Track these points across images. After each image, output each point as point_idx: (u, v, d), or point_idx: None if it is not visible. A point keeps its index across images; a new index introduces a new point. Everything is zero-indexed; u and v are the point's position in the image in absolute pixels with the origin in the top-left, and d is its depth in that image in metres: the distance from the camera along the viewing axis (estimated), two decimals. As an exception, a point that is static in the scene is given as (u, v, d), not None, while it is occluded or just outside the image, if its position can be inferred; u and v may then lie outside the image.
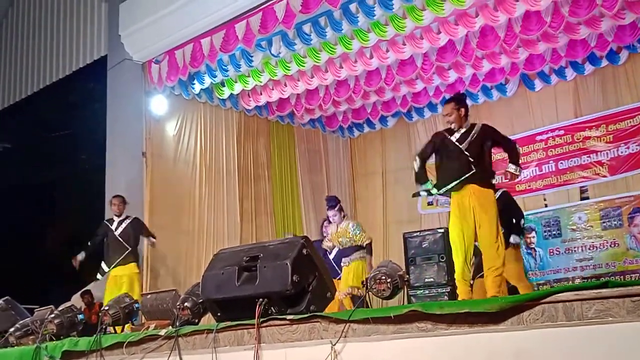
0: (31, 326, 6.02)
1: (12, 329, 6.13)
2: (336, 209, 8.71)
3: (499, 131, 6.43)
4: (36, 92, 13.06)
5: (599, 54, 10.18)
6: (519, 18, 9.01)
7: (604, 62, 10.49)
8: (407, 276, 4.21)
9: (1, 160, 15.09)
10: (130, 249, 8.84)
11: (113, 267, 8.79)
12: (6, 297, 6.75)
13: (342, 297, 8.19)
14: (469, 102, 11.64)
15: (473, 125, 6.20)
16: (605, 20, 9.00)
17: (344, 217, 8.75)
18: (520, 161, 6.33)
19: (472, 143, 6.07)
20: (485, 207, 5.98)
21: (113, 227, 8.94)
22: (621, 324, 2.81)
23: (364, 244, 8.48)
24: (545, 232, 10.79)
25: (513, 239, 7.04)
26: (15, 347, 5.98)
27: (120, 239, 8.85)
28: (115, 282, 8.70)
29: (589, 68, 10.64)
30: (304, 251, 4.03)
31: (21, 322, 6.22)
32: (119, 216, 9.02)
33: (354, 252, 8.47)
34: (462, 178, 6.01)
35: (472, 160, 6.02)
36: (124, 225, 8.95)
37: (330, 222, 8.90)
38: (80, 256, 8.89)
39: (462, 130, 6.15)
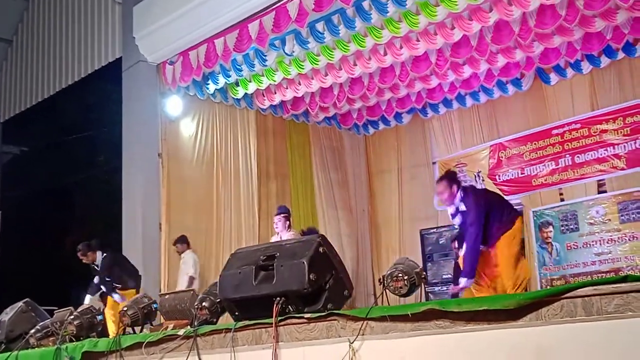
0: (51, 327, 6.04)
1: (32, 331, 6.17)
2: (281, 215, 8.57)
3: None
4: (52, 96, 13.13)
5: (615, 46, 10.08)
6: (533, 12, 8.96)
7: (620, 55, 10.37)
8: (424, 273, 4.19)
9: (19, 164, 15.22)
10: (110, 280, 9.29)
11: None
12: (26, 299, 6.78)
13: None
14: (484, 97, 11.77)
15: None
16: (621, 12, 8.90)
17: (288, 227, 8.58)
18: None
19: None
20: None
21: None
22: (641, 318, 2.79)
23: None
24: (562, 226, 10.71)
25: None
26: (36, 348, 6.03)
27: (105, 278, 9.34)
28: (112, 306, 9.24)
29: (605, 61, 10.54)
30: (321, 249, 4.02)
31: (41, 323, 6.26)
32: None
33: None
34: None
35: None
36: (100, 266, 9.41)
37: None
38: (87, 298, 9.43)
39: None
